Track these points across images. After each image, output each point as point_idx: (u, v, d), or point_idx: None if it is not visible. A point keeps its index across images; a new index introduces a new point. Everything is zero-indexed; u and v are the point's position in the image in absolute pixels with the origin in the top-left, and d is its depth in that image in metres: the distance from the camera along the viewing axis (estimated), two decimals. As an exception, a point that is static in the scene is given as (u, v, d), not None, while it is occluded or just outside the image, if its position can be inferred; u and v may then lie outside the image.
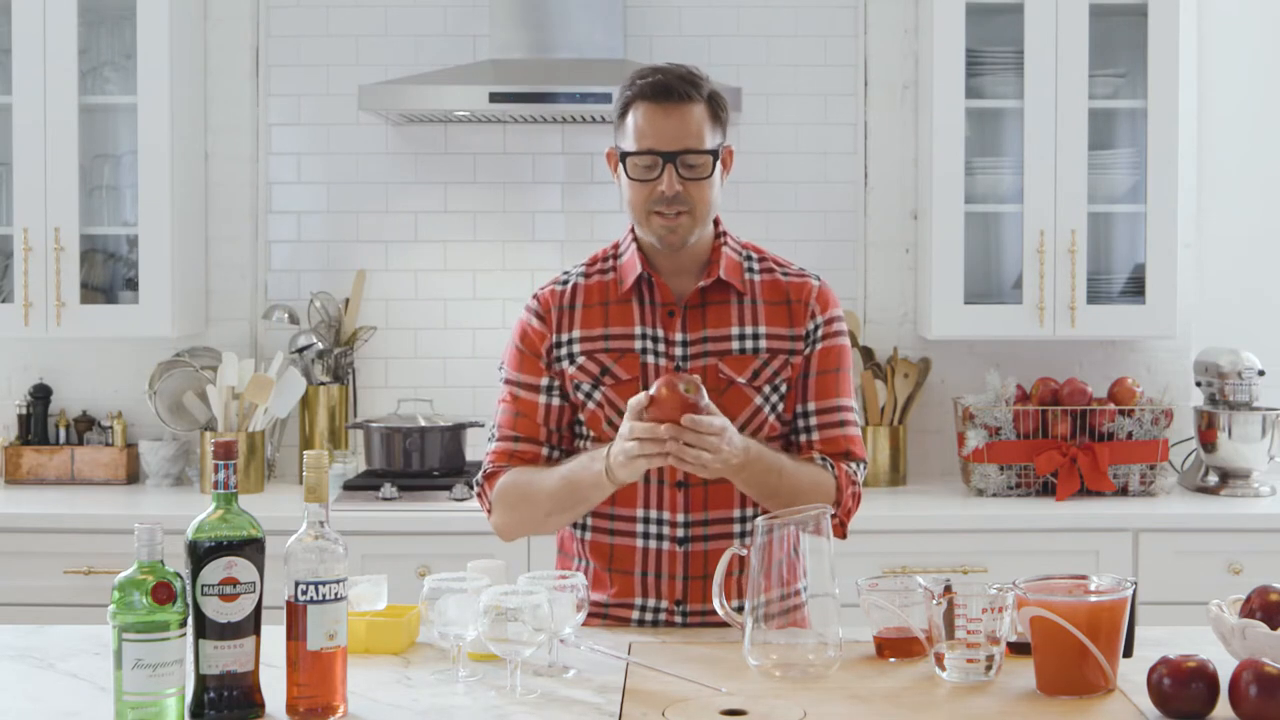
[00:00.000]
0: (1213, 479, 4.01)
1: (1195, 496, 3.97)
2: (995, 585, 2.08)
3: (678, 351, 2.45)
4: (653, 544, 2.45)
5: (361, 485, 3.85)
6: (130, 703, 1.83)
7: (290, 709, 1.93)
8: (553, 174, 4.26)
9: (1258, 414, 3.97)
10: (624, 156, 2.41)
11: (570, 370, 2.47)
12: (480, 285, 4.27)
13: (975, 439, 3.91)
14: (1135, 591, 2.08)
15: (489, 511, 2.53)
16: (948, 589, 2.07)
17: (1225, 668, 1.94)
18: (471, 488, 3.77)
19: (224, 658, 1.90)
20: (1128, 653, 2.10)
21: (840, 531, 2.47)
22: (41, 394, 4.16)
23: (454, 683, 2.09)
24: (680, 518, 2.44)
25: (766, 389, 2.45)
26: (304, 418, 4.16)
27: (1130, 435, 3.92)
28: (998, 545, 3.69)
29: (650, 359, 2.45)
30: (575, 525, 2.52)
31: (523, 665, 2.06)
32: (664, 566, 2.45)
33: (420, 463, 3.92)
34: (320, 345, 4.14)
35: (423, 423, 3.96)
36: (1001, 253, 4.18)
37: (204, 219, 4.23)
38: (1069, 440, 3.91)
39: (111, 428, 4.13)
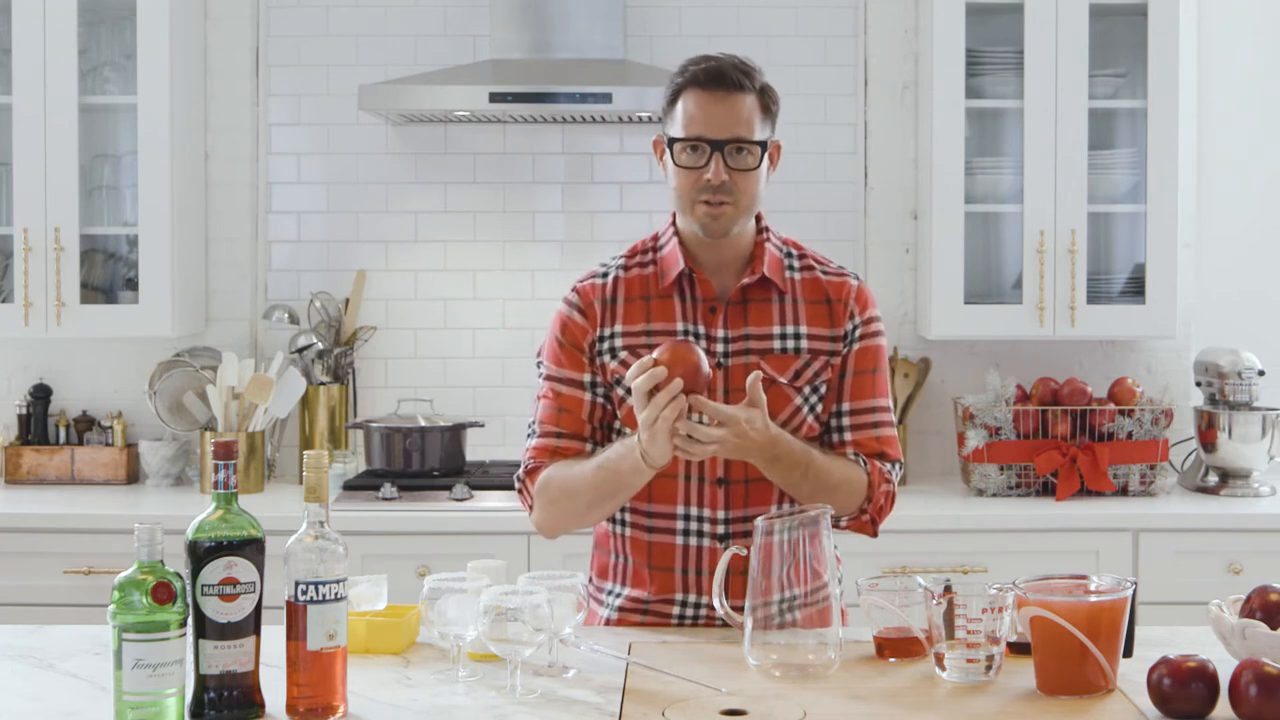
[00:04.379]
0: (1213, 479, 4.01)
1: (1195, 496, 3.97)
2: (995, 585, 2.08)
3: (719, 348, 2.42)
4: (693, 541, 2.43)
5: (361, 485, 3.85)
6: (130, 703, 1.83)
7: (290, 709, 1.93)
8: (553, 174, 4.26)
9: (1258, 414, 3.97)
10: (671, 142, 2.39)
11: (612, 365, 2.45)
12: (480, 285, 4.27)
13: (975, 439, 3.91)
14: (1135, 591, 2.08)
15: (530, 508, 2.48)
16: (948, 589, 2.07)
17: (1225, 668, 1.94)
18: (471, 487, 3.80)
19: (224, 658, 1.89)
20: (1128, 653, 2.10)
21: (871, 529, 2.48)
22: (41, 394, 4.16)
23: (454, 683, 2.09)
24: (721, 514, 2.43)
25: (807, 389, 2.44)
26: (304, 418, 4.16)
27: (1130, 435, 3.92)
28: (998, 545, 3.69)
29: None
30: (612, 521, 2.50)
31: (523, 665, 2.06)
32: (705, 563, 2.43)
33: (420, 463, 3.92)
34: (320, 345, 4.14)
35: (423, 423, 3.96)
36: (1001, 253, 4.18)
37: (204, 219, 4.23)
38: (1069, 440, 3.91)
39: (111, 428, 4.13)
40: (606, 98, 3.83)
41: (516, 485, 2.51)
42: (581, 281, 2.52)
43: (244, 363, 4.04)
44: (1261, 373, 4.00)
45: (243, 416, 3.99)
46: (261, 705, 1.93)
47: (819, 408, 2.46)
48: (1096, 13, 3.94)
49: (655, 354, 2.23)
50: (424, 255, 4.27)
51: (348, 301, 4.21)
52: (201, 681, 1.90)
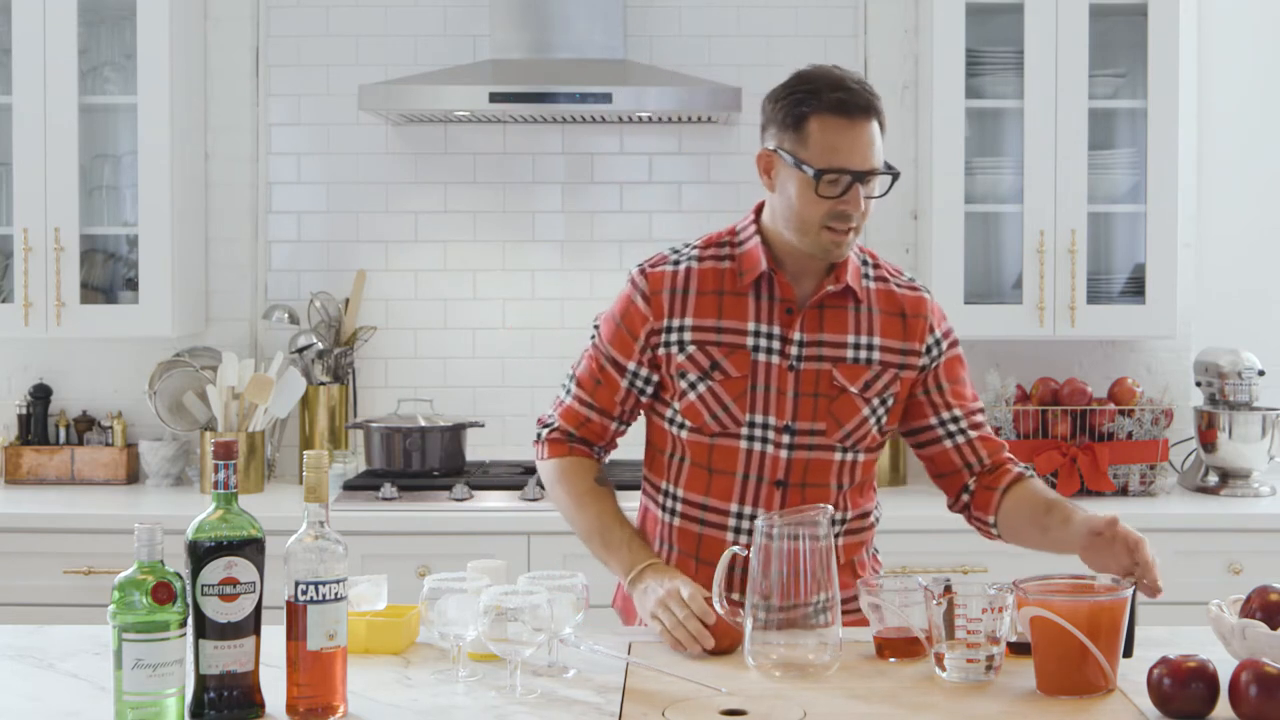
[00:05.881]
0: (1213, 479, 4.01)
1: (1195, 496, 3.98)
2: (995, 585, 2.08)
3: (794, 351, 2.40)
4: (744, 539, 2.42)
5: (361, 485, 3.85)
6: (130, 703, 1.83)
7: (290, 709, 1.93)
8: (553, 174, 4.26)
9: (1258, 414, 3.97)
10: (819, 175, 2.30)
11: (679, 359, 2.42)
12: (480, 285, 4.27)
13: (975, 439, 3.90)
14: (1135, 591, 2.08)
15: (540, 459, 2.57)
16: (948, 589, 2.07)
17: (1225, 668, 1.94)
18: (471, 487, 3.80)
19: (224, 658, 1.89)
20: (1128, 653, 2.10)
21: None
22: (41, 394, 4.16)
23: (454, 683, 2.09)
24: None
25: (875, 401, 2.43)
26: (304, 418, 4.16)
27: (1130, 435, 3.92)
28: (998, 545, 3.65)
29: (761, 357, 2.40)
30: (661, 509, 2.50)
31: (523, 665, 2.06)
32: None
33: (420, 463, 3.92)
34: (320, 345, 4.14)
35: (423, 423, 3.96)
36: (1001, 253, 4.18)
37: (204, 219, 4.23)
38: (1069, 440, 3.91)
39: (111, 428, 4.13)
40: (606, 98, 3.83)
41: (537, 435, 2.57)
42: (652, 266, 2.47)
43: (244, 363, 4.04)
44: (1261, 373, 4.00)
45: (243, 416, 3.99)
46: (261, 705, 1.93)
47: (885, 420, 2.46)
48: (1096, 13, 3.94)
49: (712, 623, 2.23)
50: (424, 255, 4.27)
51: (348, 301, 4.21)
52: (201, 681, 1.90)
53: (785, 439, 2.41)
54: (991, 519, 2.48)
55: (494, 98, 3.85)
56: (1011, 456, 2.53)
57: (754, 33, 4.24)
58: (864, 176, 2.32)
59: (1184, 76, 4.03)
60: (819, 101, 2.30)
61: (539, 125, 4.21)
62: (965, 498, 2.52)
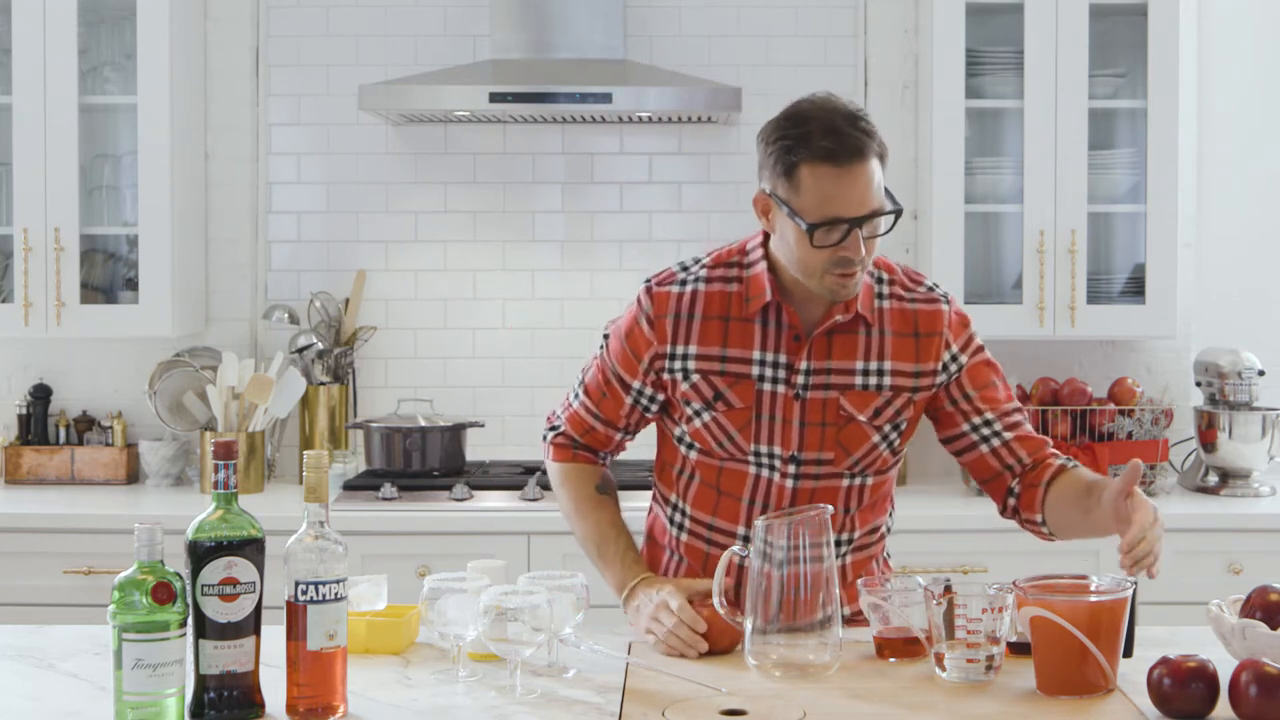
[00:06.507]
0: (1213, 479, 4.01)
1: (1195, 496, 3.98)
2: (995, 585, 2.08)
3: (800, 379, 2.35)
4: None
5: (361, 485, 3.85)
6: (130, 703, 1.83)
7: (290, 709, 1.93)
8: (553, 174, 4.26)
9: (1258, 414, 3.97)
10: (811, 229, 2.20)
11: (683, 386, 2.38)
12: (480, 285, 4.27)
13: (975, 439, 3.90)
14: (1135, 591, 2.08)
15: (547, 459, 2.59)
16: (948, 589, 2.07)
17: (1225, 668, 1.94)
18: (471, 487, 3.80)
19: (224, 658, 1.90)
20: (1128, 653, 2.10)
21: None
22: (41, 394, 4.16)
23: (454, 683, 2.09)
24: None
25: (886, 427, 2.39)
26: (304, 418, 4.16)
27: (1130, 435, 3.92)
28: (998, 545, 3.68)
29: (766, 386, 2.36)
30: (670, 522, 2.49)
31: (523, 665, 2.06)
32: None
33: (420, 463, 3.92)
34: (320, 345, 4.14)
35: (423, 423, 3.96)
36: (1001, 253, 4.18)
37: (204, 219, 4.23)
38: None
39: (111, 428, 4.13)
40: (606, 98, 3.83)
41: (544, 438, 2.58)
42: (660, 285, 2.41)
43: (244, 363, 4.04)
44: (1261, 373, 4.00)
45: (243, 416, 3.99)
46: (261, 705, 1.94)
47: (896, 443, 2.42)
48: (1096, 13, 3.94)
49: (706, 613, 2.23)
50: (424, 255, 4.27)
51: (348, 301, 4.21)
52: (201, 681, 1.90)
53: (791, 469, 2.38)
54: (1039, 517, 2.38)
55: (494, 98, 3.85)
56: (1055, 451, 2.43)
57: (754, 33, 4.23)
58: (860, 222, 2.22)
59: (1184, 76, 4.03)
60: (809, 149, 2.20)
61: (539, 125, 4.21)
62: (1012, 501, 2.43)
